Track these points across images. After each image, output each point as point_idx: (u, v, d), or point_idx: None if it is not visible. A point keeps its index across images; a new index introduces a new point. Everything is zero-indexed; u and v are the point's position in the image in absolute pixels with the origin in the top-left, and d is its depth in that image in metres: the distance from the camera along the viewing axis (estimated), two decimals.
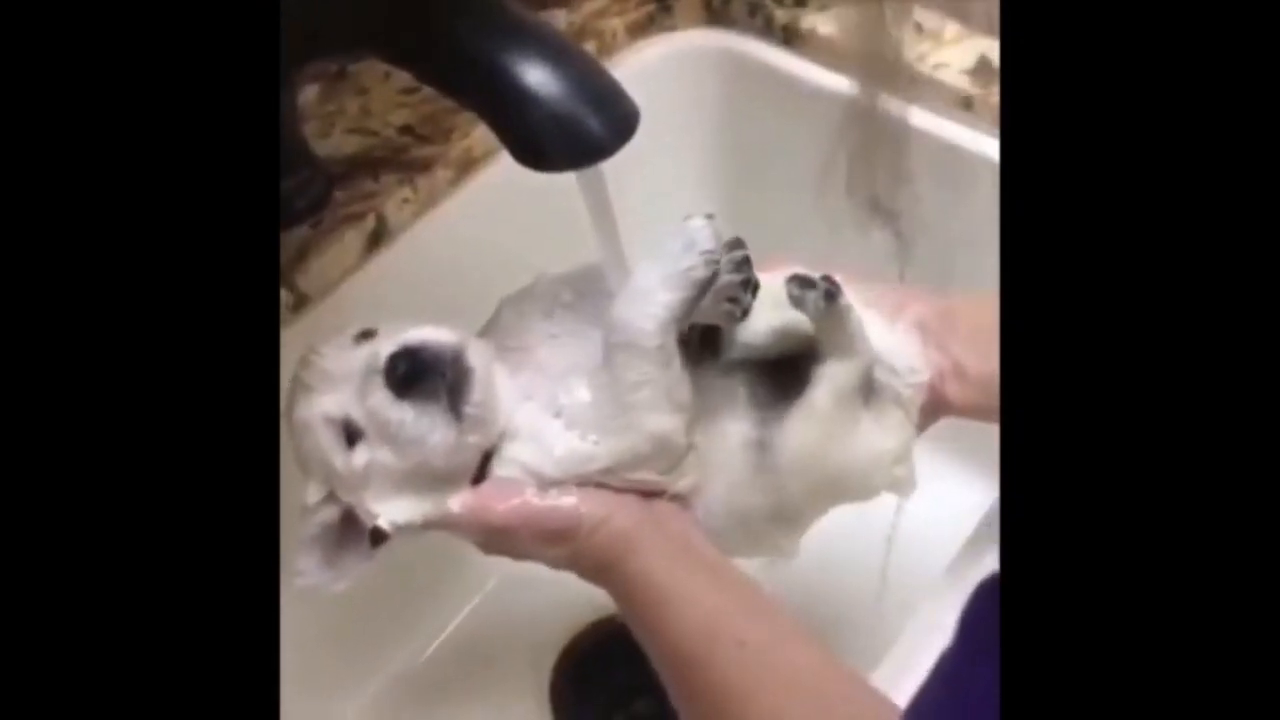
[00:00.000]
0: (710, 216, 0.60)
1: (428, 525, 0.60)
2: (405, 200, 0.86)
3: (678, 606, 0.58)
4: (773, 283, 0.63)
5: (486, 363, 0.60)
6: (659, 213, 1.01)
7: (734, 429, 0.63)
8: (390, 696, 0.95)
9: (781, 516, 0.64)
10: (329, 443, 0.59)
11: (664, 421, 0.60)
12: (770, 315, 0.64)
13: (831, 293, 0.61)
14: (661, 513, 0.61)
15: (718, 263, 0.59)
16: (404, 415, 0.57)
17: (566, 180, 0.62)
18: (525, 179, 0.64)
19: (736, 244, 0.62)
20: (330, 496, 0.60)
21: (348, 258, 0.83)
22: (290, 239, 0.81)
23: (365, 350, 0.59)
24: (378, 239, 0.84)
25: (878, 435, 0.65)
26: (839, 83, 0.96)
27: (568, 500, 0.59)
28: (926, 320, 0.68)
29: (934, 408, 0.68)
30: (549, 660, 0.96)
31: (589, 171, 0.61)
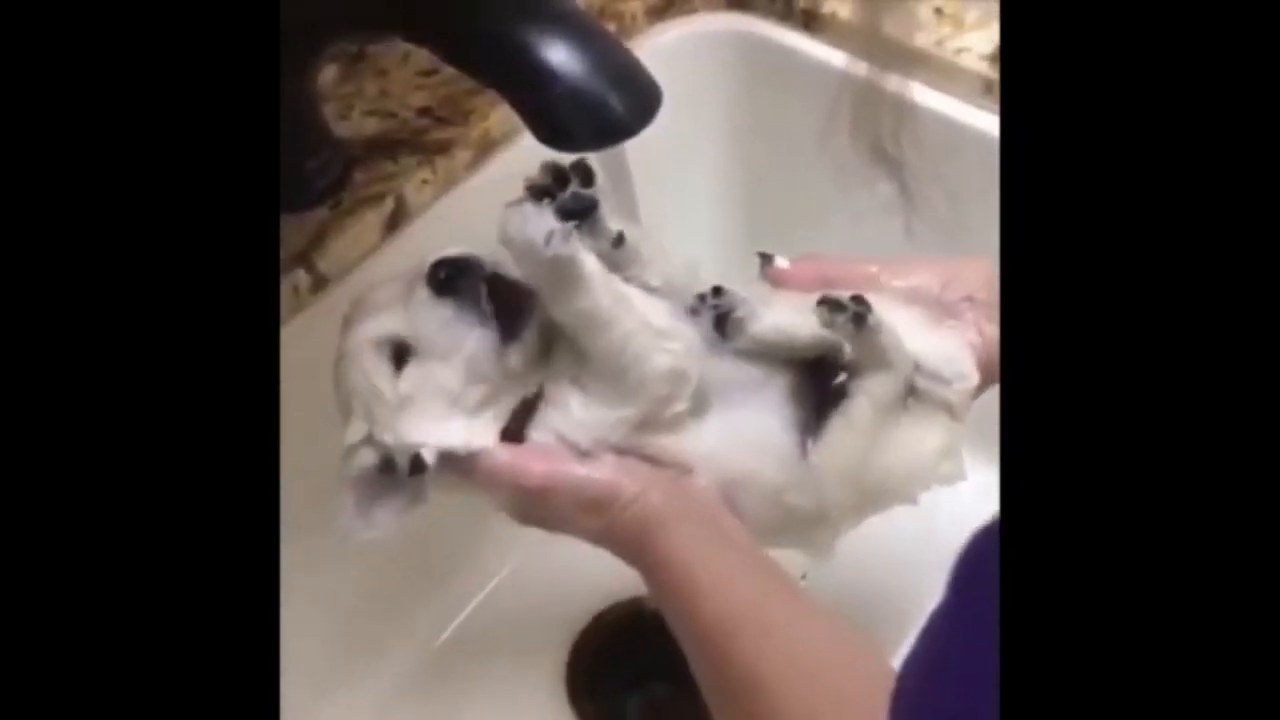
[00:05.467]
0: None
1: (466, 479, 0.60)
2: (424, 181, 0.85)
3: (705, 589, 0.58)
4: (801, 301, 0.62)
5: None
6: (676, 192, 1.01)
7: (773, 422, 0.63)
8: (405, 680, 0.95)
9: (821, 518, 0.64)
10: (373, 366, 0.59)
11: (664, 358, 0.60)
12: (793, 317, 0.64)
13: (860, 315, 0.60)
14: (694, 493, 0.61)
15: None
16: (444, 313, 0.59)
17: None
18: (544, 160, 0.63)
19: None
20: (368, 439, 0.60)
21: (367, 239, 0.83)
22: (309, 220, 0.81)
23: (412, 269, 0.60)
24: (397, 220, 0.84)
25: (920, 439, 0.65)
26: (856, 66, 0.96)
27: (605, 470, 0.60)
28: (976, 290, 0.67)
29: (990, 379, 0.67)
30: (565, 645, 0.96)
31: (611, 151, 0.61)
